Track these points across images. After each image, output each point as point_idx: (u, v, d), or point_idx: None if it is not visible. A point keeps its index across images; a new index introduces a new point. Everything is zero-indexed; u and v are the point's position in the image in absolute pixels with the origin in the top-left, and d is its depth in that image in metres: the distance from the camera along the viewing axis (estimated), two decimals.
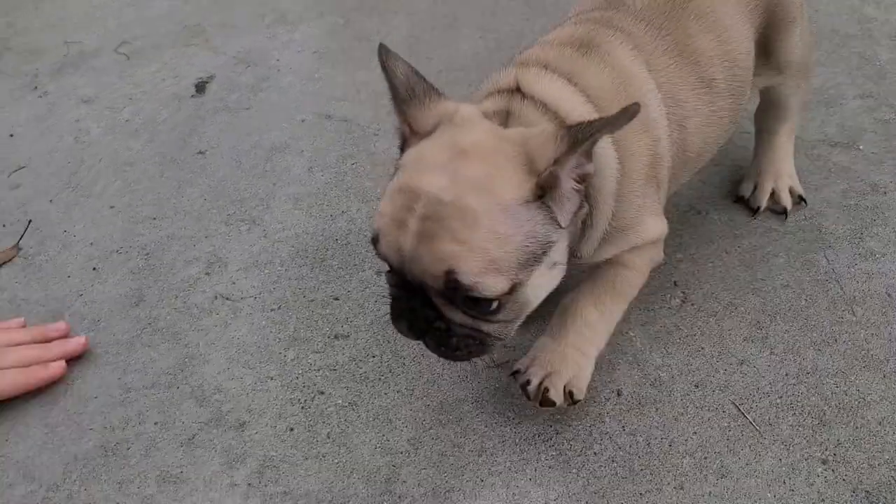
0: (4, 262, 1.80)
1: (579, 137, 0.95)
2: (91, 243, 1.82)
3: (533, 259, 1.00)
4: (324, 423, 1.36)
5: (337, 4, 2.52)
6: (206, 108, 2.18)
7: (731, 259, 1.51)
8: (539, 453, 1.26)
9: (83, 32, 2.62)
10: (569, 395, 1.21)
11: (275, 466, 1.31)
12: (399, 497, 1.24)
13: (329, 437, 1.34)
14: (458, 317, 1.03)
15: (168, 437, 1.38)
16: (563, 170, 0.98)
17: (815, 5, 2.14)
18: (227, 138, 2.06)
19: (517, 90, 1.10)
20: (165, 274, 1.70)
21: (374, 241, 1.04)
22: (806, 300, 1.42)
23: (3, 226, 1.92)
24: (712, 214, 1.61)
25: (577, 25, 1.23)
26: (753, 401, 1.28)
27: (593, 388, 1.32)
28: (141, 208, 1.89)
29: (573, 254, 1.12)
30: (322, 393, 1.41)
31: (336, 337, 1.50)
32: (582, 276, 1.27)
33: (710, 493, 1.17)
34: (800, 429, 1.23)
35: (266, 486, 1.29)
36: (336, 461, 1.30)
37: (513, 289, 1.00)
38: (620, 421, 1.28)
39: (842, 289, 1.42)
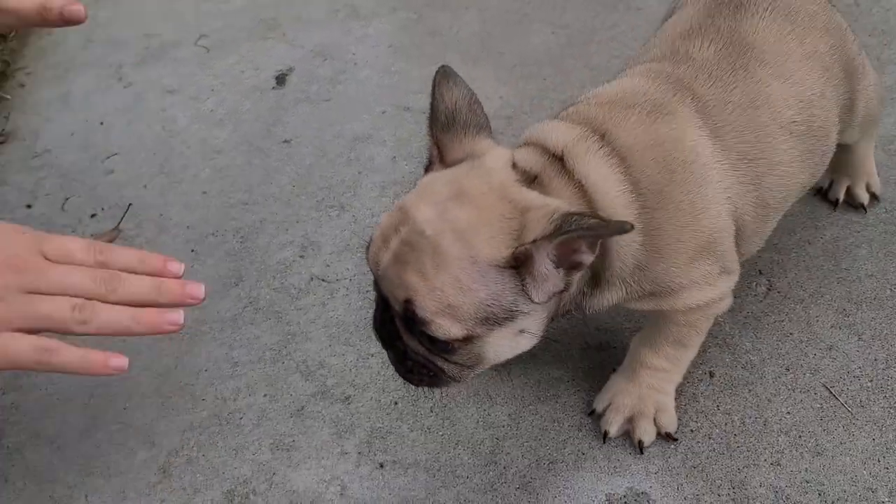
0: (109, 242, 1.89)
1: (563, 230, 0.92)
2: (187, 227, 1.91)
3: (494, 320, 0.98)
4: (426, 398, 1.43)
5: (407, 1, 2.59)
6: (287, 100, 2.26)
7: (814, 249, 1.56)
8: None
9: (162, 25, 2.71)
10: (665, 434, 1.28)
11: (382, 437, 1.38)
12: (504, 468, 1.31)
13: (432, 412, 1.41)
14: (413, 344, 1.05)
15: (278, 408, 1.46)
16: (537, 252, 0.94)
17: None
18: (310, 128, 2.14)
19: (559, 157, 1.05)
20: (261, 256, 1.78)
21: (367, 247, 1.06)
22: (891, 290, 1.46)
23: (103, 209, 2.01)
24: (794, 206, 1.66)
25: (646, 80, 1.15)
26: (844, 384, 1.33)
27: (688, 368, 1.38)
28: (232, 194, 1.98)
29: (580, 310, 1.13)
30: None
31: None
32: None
33: (806, 469, 1.23)
34: (892, 410, 1.28)
35: (375, 454, 1.36)
36: (441, 433, 1.37)
37: (468, 339, 0.99)
38: (715, 401, 1.34)
39: None
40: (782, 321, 1.44)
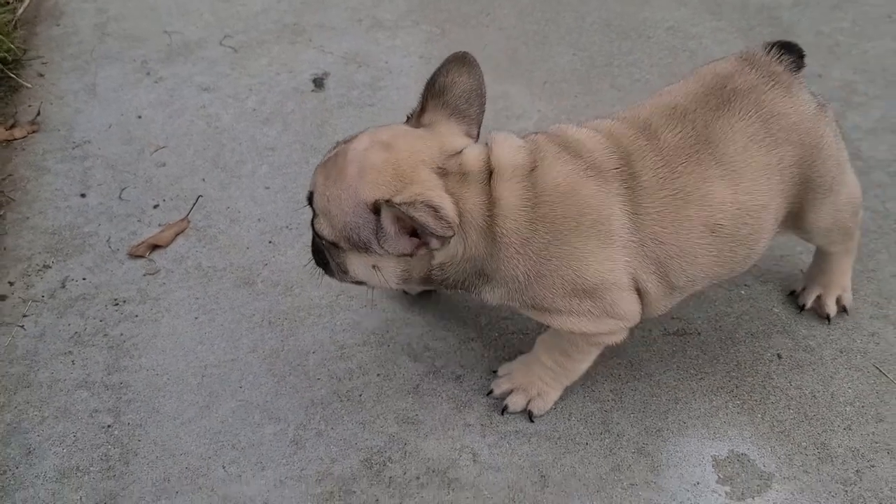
0: (179, 233, 1.95)
1: (399, 203, 1.15)
2: (258, 219, 1.98)
3: (353, 242, 1.25)
4: None
5: (428, 15, 2.74)
6: (330, 103, 2.36)
7: None
8: (726, 402, 1.52)
9: (180, 23, 2.75)
10: (528, 413, 1.49)
11: (499, 411, 1.53)
12: (617, 435, 1.48)
13: None
14: (314, 234, 1.33)
15: (394, 386, 1.58)
16: (384, 210, 1.17)
17: None
18: (360, 128, 2.25)
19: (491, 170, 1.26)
20: None
21: None
22: None
23: (164, 200, 2.05)
24: None
25: (604, 140, 1.30)
26: (890, 364, 1.58)
27: (757, 352, 1.60)
28: (295, 190, 2.07)
29: (470, 293, 1.34)
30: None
31: None
32: None
33: (872, 433, 1.46)
34: None
35: (497, 426, 1.50)
36: (554, 406, 1.53)
37: (336, 245, 1.28)
38: (786, 378, 1.56)
39: None
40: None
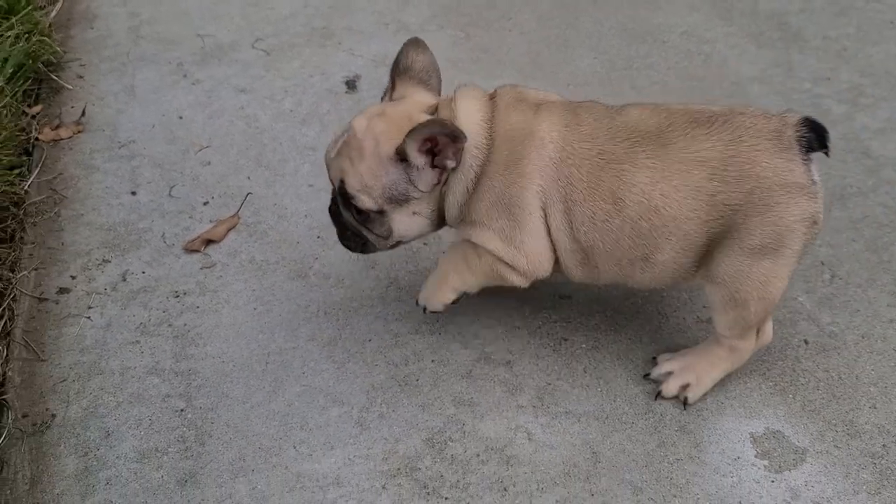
0: (230, 229, 2.04)
1: (418, 126, 1.38)
2: (305, 215, 2.08)
3: (394, 200, 1.46)
4: (576, 361, 1.70)
5: (452, 20, 2.84)
6: (364, 104, 2.46)
7: (859, 246, 1.94)
8: (759, 384, 1.64)
9: (211, 26, 2.83)
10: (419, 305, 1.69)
11: (550, 394, 1.64)
12: (660, 415, 1.59)
13: (585, 372, 1.68)
14: (347, 216, 1.52)
15: (448, 371, 1.68)
16: (409, 145, 1.40)
17: None
18: None
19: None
20: None
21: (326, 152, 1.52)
22: None
23: (213, 197, 2.15)
24: (835, 212, 2.05)
25: (567, 102, 1.54)
26: None
27: (785, 338, 1.71)
28: None
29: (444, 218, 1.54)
30: (566, 339, 1.75)
31: (560, 297, 1.84)
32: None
33: None
34: None
35: (548, 407, 1.61)
36: (598, 389, 1.64)
37: (381, 212, 1.48)
38: (814, 362, 1.68)
39: None
40: (848, 301, 1.81)
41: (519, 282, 1.55)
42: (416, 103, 1.52)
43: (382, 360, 1.70)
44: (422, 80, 1.57)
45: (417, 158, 1.43)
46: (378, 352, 1.72)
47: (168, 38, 2.77)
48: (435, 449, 1.55)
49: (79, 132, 2.37)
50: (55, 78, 2.54)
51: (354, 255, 1.95)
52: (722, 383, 1.63)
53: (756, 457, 1.51)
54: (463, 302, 1.82)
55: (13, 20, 2.35)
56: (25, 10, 2.39)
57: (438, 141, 1.41)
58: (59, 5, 2.92)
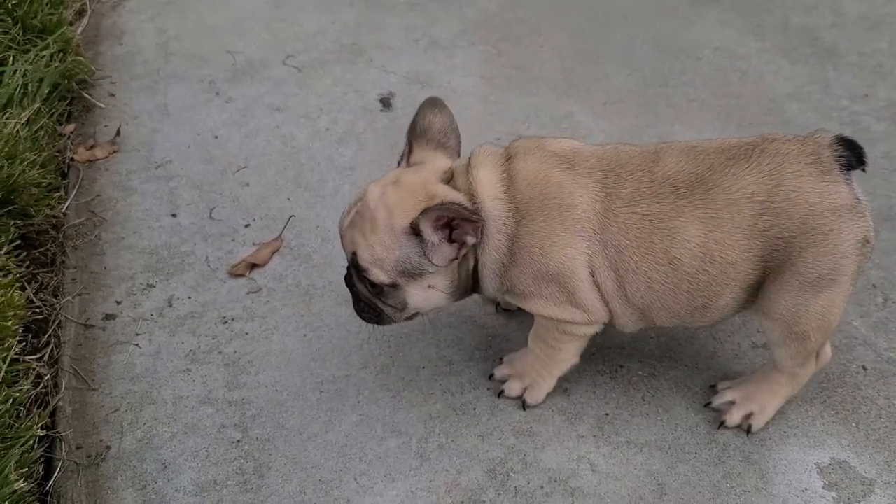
0: (274, 252, 2.02)
1: (433, 207, 1.34)
2: None
3: (407, 273, 1.40)
4: (634, 389, 1.68)
5: (482, 35, 2.82)
6: (400, 122, 2.44)
7: None
8: (821, 412, 1.62)
9: (240, 42, 2.82)
10: (522, 401, 1.63)
11: (610, 422, 1.62)
12: (724, 445, 1.58)
13: (644, 400, 1.66)
14: (361, 288, 1.48)
15: (507, 400, 1.67)
16: (423, 222, 1.35)
17: None
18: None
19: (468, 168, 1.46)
20: None
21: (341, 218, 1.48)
22: None
23: (255, 219, 2.13)
24: (884, 233, 2.03)
25: (598, 150, 1.47)
26: None
27: (843, 363, 1.70)
28: None
29: (480, 293, 1.52)
30: (622, 366, 1.73)
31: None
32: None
33: None
34: None
35: (609, 436, 1.60)
36: (658, 418, 1.63)
37: (394, 286, 1.42)
38: (874, 389, 1.67)
39: None
40: None
41: (588, 331, 1.52)
42: (432, 170, 1.45)
43: (438, 389, 1.68)
44: (440, 143, 1.50)
45: (432, 235, 1.38)
46: (433, 379, 1.70)
47: (198, 55, 2.75)
48: (497, 481, 1.53)
49: (114, 152, 2.35)
50: (87, 96, 2.53)
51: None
52: (783, 412, 1.61)
53: (824, 488, 1.50)
54: (515, 329, 1.80)
55: (48, 40, 2.32)
56: (59, 30, 2.37)
57: (454, 219, 1.36)
58: (84, 21, 2.90)
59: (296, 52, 2.77)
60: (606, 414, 1.63)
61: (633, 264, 1.39)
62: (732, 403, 1.59)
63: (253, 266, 1.97)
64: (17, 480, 1.32)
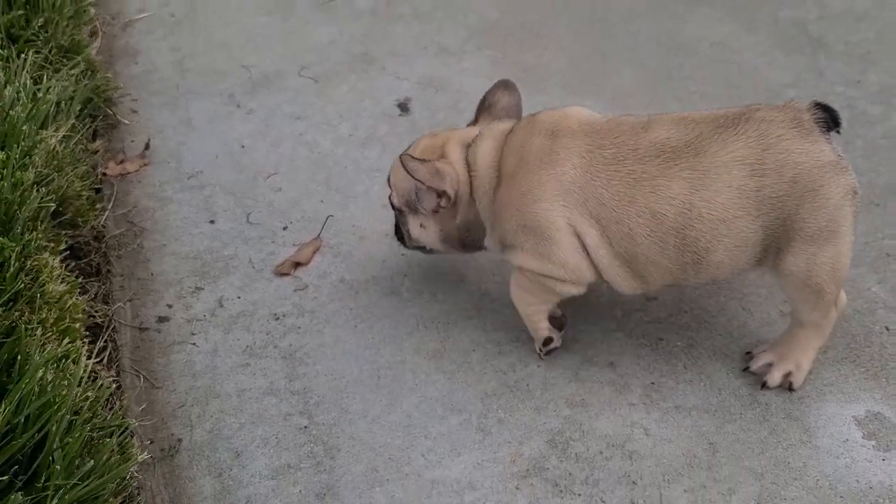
0: (315, 251, 2.10)
1: (407, 160, 1.61)
2: (385, 234, 2.14)
3: (410, 206, 1.71)
4: (676, 359, 1.78)
5: (488, 40, 2.93)
6: (420, 125, 2.53)
7: None
8: (852, 370, 1.73)
9: (254, 57, 2.90)
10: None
11: (657, 390, 1.71)
12: (766, 405, 1.67)
13: (686, 368, 1.76)
14: (392, 206, 1.79)
15: (556, 375, 1.75)
16: (411, 170, 1.60)
17: None
18: None
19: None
20: (472, 258, 2.05)
21: None
22: None
23: (291, 222, 2.20)
24: (892, 206, 2.15)
25: (592, 115, 1.63)
26: None
27: (867, 325, 1.81)
28: None
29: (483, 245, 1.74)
30: (661, 339, 1.82)
31: (647, 299, 1.92)
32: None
33: None
34: None
35: (657, 403, 1.69)
36: (702, 384, 1.72)
37: (401, 211, 1.75)
38: None
39: None
40: None
41: (571, 290, 1.64)
42: (462, 134, 1.71)
43: (490, 369, 1.77)
44: (500, 119, 1.71)
45: (418, 183, 1.65)
46: (484, 360, 1.78)
47: (214, 70, 2.83)
48: (558, 449, 1.61)
49: (144, 165, 2.41)
50: (112, 113, 2.58)
51: (443, 271, 2.02)
52: (818, 372, 1.72)
53: (863, 437, 1.60)
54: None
55: (78, 59, 2.38)
56: (86, 50, 2.43)
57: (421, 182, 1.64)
58: (97, 43, 2.96)
59: (309, 63, 2.85)
60: (652, 383, 1.72)
61: (615, 216, 1.51)
62: (770, 365, 1.69)
63: (297, 265, 2.04)
64: (121, 464, 1.36)
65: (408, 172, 1.60)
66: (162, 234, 2.17)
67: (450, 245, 1.76)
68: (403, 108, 2.62)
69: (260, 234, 2.15)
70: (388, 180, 1.76)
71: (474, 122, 1.74)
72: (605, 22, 2.93)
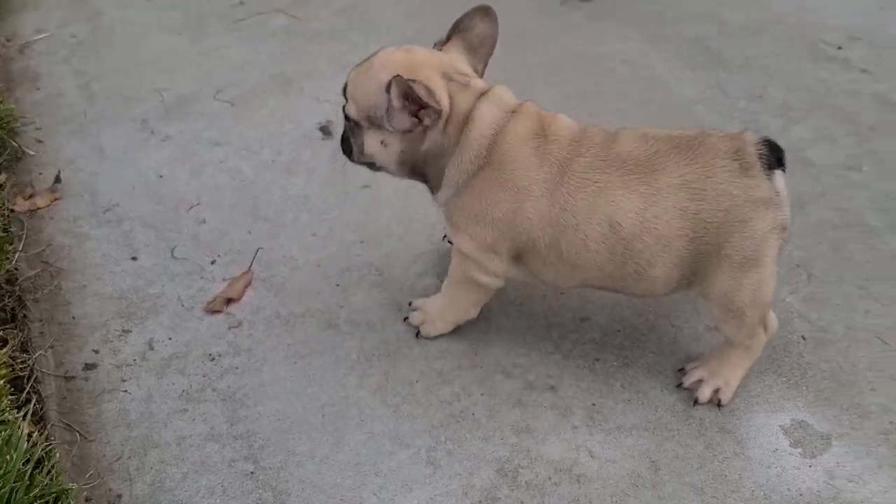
0: (247, 285, 2.06)
1: (405, 79, 1.51)
2: (317, 265, 2.12)
3: (370, 120, 1.63)
4: (613, 379, 1.84)
5: None
6: None
7: (824, 246, 2.18)
8: (775, 380, 1.83)
9: (166, 79, 2.81)
10: (417, 331, 1.91)
11: (598, 411, 1.77)
12: (700, 419, 1.75)
13: (623, 388, 1.82)
14: (345, 118, 1.71)
15: (500, 402, 1.78)
16: (393, 86, 1.52)
17: None
18: (383, 174, 2.41)
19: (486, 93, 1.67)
20: (407, 284, 2.06)
21: None
22: (887, 267, 2.12)
23: (219, 255, 2.15)
24: (799, 217, 2.28)
25: (573, 125, 1.69)
26: (888, 334, 1.94)
27: (785, 335, 1.92)
28: (344, 234, 2.22)
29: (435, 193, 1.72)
30: (598, 360, 1.88)
31: (581, 319, 1.98)
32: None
33: (893, 391, 1.81)
34: None
35: (599, 424, 1.74)
36: (640, 403, 1.79)
37: (358, 125, 1.66)
38: (815, 355, 1.89)
39: None
40: (827, 297, 2.03)
41: (490, 282, 1.73)
42: (448, 60, 1.63)
43: (435, 399, 1.78)
44: (472, 45, 1.68)
45: (396, 100, 1.56)
46: (428, 391, 1.79)
47: (124, 94, 2.73)
48: (508, 477, 1.64)
49: (56, 199, 2.31)
50: (16, 145, 2.45)
51: (379, 300, 2.02)
52: (745, 384, 1.81)
53: (790, 446, 1.69)
54: (494, 334, 1.92)
55: None
56: None
57: (421, 100, 1.54)
58: None
59: (224, 86, 2.79)
60: (593, 404, 1.78)
61: (575, 222, 1.58)
62: (701, 381, 1.77)
63: (229, 301, 1.99)
64: None
65: (405, 89, 1.51)
66: (81, 273, 2.08)
67: (403, 168, 1.70)
68: (325, 131, 2.60)
69: (187, 270, 2.09)
70: (344, 91, 1.68)
71: (445, 42, 1.68)
72: (519, 39, 2.99)
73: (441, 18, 3.11)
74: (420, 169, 1.69)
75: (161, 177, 2.39)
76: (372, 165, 1.74)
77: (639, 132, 1.64)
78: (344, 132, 1.76)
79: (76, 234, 2.19)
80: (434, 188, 1.70)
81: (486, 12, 1.68)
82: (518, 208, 1.60)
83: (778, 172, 1.57)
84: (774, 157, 1.57)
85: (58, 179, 2.35)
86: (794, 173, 2.38)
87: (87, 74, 2.81)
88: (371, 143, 1.67)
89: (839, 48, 3.00)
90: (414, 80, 1.52)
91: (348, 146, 1.76)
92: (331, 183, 2.38)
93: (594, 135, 1.65)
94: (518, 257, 1.69)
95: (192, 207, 2.28)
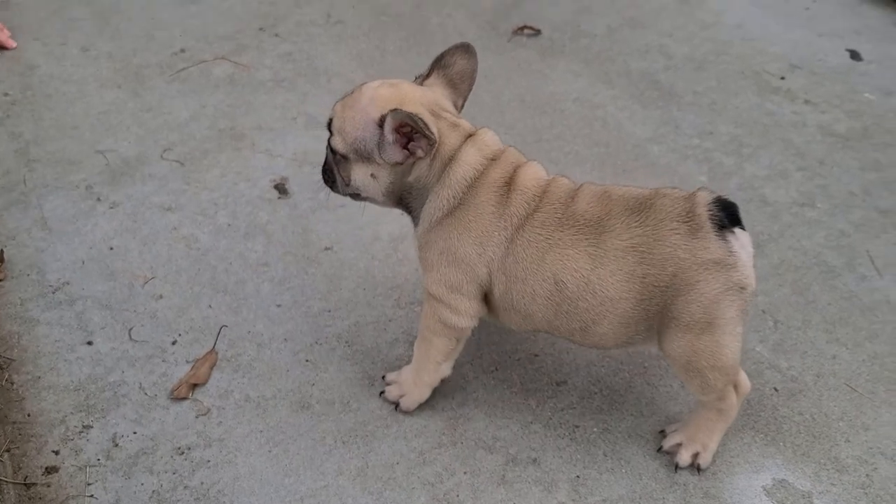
0: (212, 367, 1.98)
1: (400, 111, 1.55)
2: (284, 339, 2.06)
3: (360, 154, 1.65)
4: (594, 447, 1.82)
5: None
6: (302, 208, 2.46)
7: (786, 291, 2.22)
8: (753, 438, 1.84)
9: (108, 140, 2.70)
10: (396, 405, 1.89)
11: (583, 484, 1.75)
12: (684, 485, 1.75)
13: (606, 456, 1.81)
14: (328, 150, 1.73)
15: (483, 481, 1.75)
16: (387, 120, 1.56)
17: None
18: (344, 234, 2.37)
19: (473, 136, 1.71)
20: (379, 355, 2.01)
21: None
22: (855, 312, 2.17)
23: (180, 335, 2.07)
24: (759, 261, 2.31)
25: (537, 172, 1.71)
26: (856, 380, 1.98)
27: (758, 388, 1.94)
28: (308, 304, 2.16)
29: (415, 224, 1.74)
30: (577, 427, 1.87)
31: (557, 384, 1.96)
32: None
33: (865, 441, 1.85)
34: (893, 391, 1.96)
35: (585, 497, 1.73)
36: (623, 471, 1.78)
37: (346, 157, 1.67)
38: (789, 407, 1.91)
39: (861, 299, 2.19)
40: (795, 344, 2.07)
41: (460, 322, 1.71)
42: (433, 97, 1.67)
43: (417, 482, 1.74)
44: (453, 81, 1.73)
45: (390, 133, 1.58)
46: (410, 473, 1.75)
47: (65, 159, 2.61)
48: None
49: (0, 280, 2.19)
50: None
51: (351, 375, 1.97)
52: (725, 443, 1.82)
53: None
54: (472, 406, 1.89)
55: None
56: None
57: (414, 131, 1.57)
58: None
59: (172, 143, 2.69)
60: (577, 476, 1.76)
61: (523, 275, 1.61)
62: (680, 445, 1.77)
63: (194, 385, 1.92)
64: None
65: (410, 122, 1.55)
66: (33, 363, 1.97)
67: (390, 198, 1.73)
68: (281, 189, 2.53)
69: (147, 353, 2.01)
70: (329, 125, 1.70)
71: (426, 75, 1.73)
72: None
73: (389, 64, 3.08)
74: (406, 199, 1.72)
75: (112, 249, 2.29)
76: (357, 196, 1.76)
77: (600, 190, 1.65)
78: (326, 163, 1.77)
79: (25, 318, 2.08)
80: (415, 220, 1.73)
81: (466, 49, 1.73)
82: (481, 252, 1.63)
83: (737, 232, 1.56)
84: (727, 215, 1.56)
85: (0, 258, 2.23)
86: (752, 213, 2.43)
87: (23, 137, 2.68)
88: (358, 175, 1.69)
89: (782, 78, 3.07)
90: (409, 114, 1.55)
91: (331, 177, 1.77)
92: (291, 247, 2.31)
93: (557, 188, 1.66)
94: (484, 298, 1.70)
95: (147, 282, 2.19)
